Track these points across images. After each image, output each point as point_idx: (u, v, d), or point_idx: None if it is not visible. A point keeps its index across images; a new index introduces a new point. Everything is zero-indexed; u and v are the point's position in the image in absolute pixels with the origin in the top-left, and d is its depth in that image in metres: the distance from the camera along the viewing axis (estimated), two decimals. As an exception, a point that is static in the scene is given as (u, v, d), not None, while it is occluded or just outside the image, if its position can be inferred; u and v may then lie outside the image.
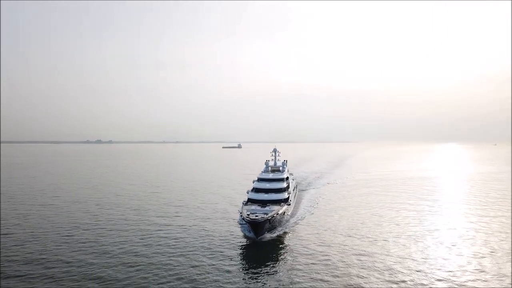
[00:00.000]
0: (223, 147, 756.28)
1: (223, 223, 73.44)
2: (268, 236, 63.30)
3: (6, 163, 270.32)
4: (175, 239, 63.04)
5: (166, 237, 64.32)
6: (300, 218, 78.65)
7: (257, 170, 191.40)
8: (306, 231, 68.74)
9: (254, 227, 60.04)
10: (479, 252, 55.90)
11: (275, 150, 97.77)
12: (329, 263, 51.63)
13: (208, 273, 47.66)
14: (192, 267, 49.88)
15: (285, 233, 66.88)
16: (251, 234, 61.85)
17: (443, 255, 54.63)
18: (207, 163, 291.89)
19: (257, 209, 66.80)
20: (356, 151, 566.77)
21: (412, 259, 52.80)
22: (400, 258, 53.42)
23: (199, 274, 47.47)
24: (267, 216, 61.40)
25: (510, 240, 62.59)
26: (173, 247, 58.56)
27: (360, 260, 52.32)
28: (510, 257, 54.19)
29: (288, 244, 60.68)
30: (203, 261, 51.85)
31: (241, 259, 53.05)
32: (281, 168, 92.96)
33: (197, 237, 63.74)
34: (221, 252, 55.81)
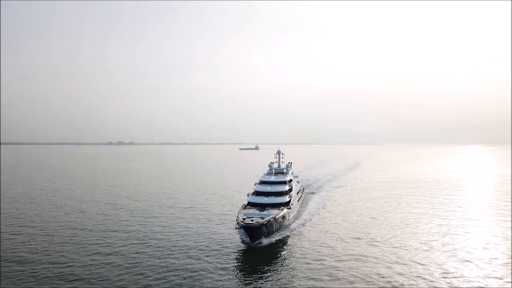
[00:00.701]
0: (240, 149, 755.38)
1: (222, 227, 71.69)
2: (265, 241, 61.17)
3: (32, 164, 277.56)
4: (169, 241, 61.72)
5: (162, 239, 63.03)
6: (304, 222, 76.17)
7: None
8: (307, 236, 66.30)
9: (249, 232, 58.03)
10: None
11: (279, 152, 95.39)
12: (327, 270, 49.15)
13: (196, 280, 45.97)
14: (180, 271, 48.38)
15: (284, 238, 64.63)
16: (248, 239, 59.85)
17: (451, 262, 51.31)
18: (221, 164, 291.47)
19: (254, 213, 64.68)
20: (378, 153, 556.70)
21: (427, 271, 49.67)
22: (410, 272, 50.32)
23: (186, 280, 45.86)
24: (263, 220, 59.24)
25: (510, 241, 62.47)
26: (164, 249, 57.21)
27: (358, 268, 49.53)
28: (510, 257, 54.18)
29: (286, 250, 58.42)
30: (192, 266, 50.23)
31: (233, 266, 51.09)
32: (285, 171, 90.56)
33: (192, 241, 62.18)
34: (214, 257, 54.06)
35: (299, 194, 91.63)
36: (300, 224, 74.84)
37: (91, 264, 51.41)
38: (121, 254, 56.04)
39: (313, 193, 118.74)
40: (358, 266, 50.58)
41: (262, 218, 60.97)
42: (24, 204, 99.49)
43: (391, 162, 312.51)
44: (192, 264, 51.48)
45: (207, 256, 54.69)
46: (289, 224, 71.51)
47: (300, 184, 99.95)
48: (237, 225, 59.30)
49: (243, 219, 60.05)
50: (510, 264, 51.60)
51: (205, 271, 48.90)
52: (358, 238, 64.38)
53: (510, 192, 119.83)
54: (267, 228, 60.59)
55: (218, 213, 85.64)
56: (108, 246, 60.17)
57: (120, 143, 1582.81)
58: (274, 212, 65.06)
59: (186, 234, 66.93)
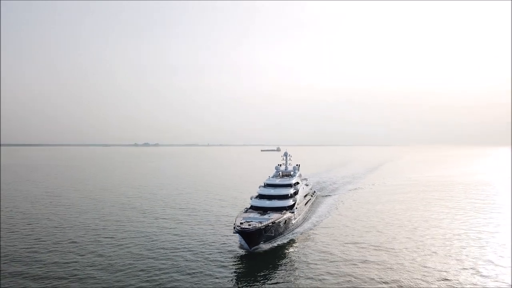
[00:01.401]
0: (261, 150, 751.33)
1: (223, 230, 69.74)
2: (264, 246, 58.91)
3: (61, 165, 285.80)
4: (167, 244, 60.38)
5: (162, 241, 61.72)
6: (311, 226, 73.57)
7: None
8: (310, 241, 63.72)
9: (245, 237, 55.96)
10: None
11: (286, 154, 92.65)
12: (326, 279, 46.52)
13: (187, 283, 44.35)
14: (172, 273, 46.87)
15: (286, 243, 62.20)
16: (246, 244, 57.76)
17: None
18: (241, 166, 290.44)
19: (253, 217, 62.48)
20: (402, 154, 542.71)
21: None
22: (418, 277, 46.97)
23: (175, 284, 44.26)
24: (260, 225, 56.96)
25: (510, 242, 62.31)
26: (161, 252, 55.84)
27: (357, 277, 46.52)
28: (510, 257, 54.15)
29: (285, 256, 56.04)
30: (185, 270, 48.60)
31: (228, 271, 49.05)
32: (292, 173, 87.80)
33: (190, 245, 60.57)
34: (210, 262, 52.21)
35: (308, 197, 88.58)
36: (307, 228, 72.28)
37: (87, 264, 50.85)
38: (116, 254, 55.14)
39: (327, 195, 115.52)
40: (358, 275, 47.54)
41: (261, 222, 58.65)
42: (48, 203, 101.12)
43: (426, 165, 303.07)
44: (185, 267, 49.87)
45: (203, 260, 52.97)
46: (294, 229, 68.94)
47: (310, 186, 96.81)
48: (234, 230, 57.29)
49: (241, 223, 57.97)
50: (510, 264, 50.97)
51: (197, 276, 47.17)
52: (363, 245, 61.12)
53: (510, 193, 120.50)
54: (266, 233, 58.27)
55: (226, 214, 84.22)
56: (104, 245, 59.50)
57: (145, 144, 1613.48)
58: (275, 216, 62.64)
59: (185, 236, 65.54)
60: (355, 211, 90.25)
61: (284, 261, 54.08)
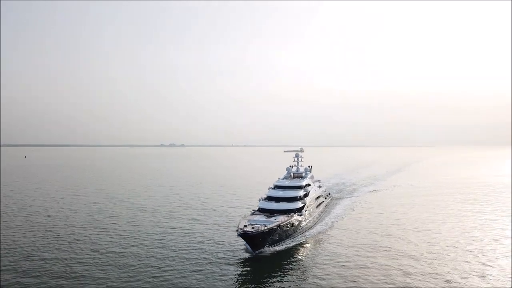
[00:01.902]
0: (284, 151, 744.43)
1: (229, 233, 68.76)
2: (270, 250, 57.66)
3: (94, 166, 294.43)
4: (170, 245, 60.08)
5: (165, 242, 61.50)
6: (322, 229, 71.92)
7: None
8: (319, 244, 62.34)
9: (247, 240, 55.01)
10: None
11: (297, 155, 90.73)
12: (334, 282, 45.00)
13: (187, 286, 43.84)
14: (173, 274, 46.42)
15: (292, 247, 60.77)
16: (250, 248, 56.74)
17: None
18: (259, 166, 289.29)
19: (259, 220, 61.24)
20: (429, 156, 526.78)
21: None
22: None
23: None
24: (264, 228, 55.68)
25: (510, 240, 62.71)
26: (163, 254, 55.48)
27: (367, 280, 44.53)
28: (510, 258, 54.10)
29: (292, 260, 54.68)
30: (186, 271, 48.08)
31: (229, 275, 48.11)
32: (303, 175, 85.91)
33: (194, 247, 60.02)
34: (212, 265, 51.43)
35: (320, 200, 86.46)
36: (318, 231, 70.73)
37: (84, 262, 51.21)
38: (116, 253, 55.25)
39: (343, 198, 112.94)
40: (364, 279, 45.54)
41: (265, 225, 57.35)
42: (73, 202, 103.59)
43: (460, 167, 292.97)
44: (187, 269, 49.37)
45: (206, 263, 52.23)
46: (303, 232, 67.34)
47: (323, 188, 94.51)
48: (237, 233, 56.28)
49: (245, 226, 56.88)
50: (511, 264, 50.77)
51: (196, 278, 46.57)
52: (373, 249, 58.86)
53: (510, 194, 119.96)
54: (270, 236, 56.94)
55: (229, 216, 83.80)
56: (103, 244, 59.79)
57: (171, 145, 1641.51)
58: (281, 219, 61.18)
59: (191, 237, 65.19)
60: (370, 214, 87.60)
61: (289, 265, 52.77)
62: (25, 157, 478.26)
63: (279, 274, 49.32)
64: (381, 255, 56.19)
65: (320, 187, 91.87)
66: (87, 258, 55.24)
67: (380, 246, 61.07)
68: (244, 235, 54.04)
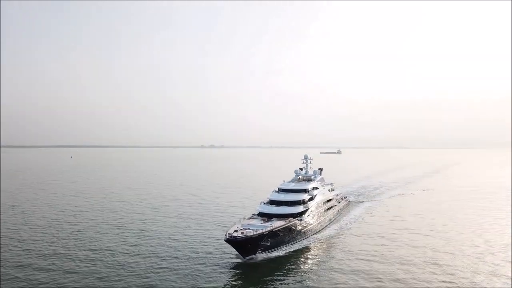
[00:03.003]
0: (320, 153, 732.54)
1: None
2: (262, 256, 54.95)
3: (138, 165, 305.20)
4: (162, 247, 58.87)
5: (158, 243, 60.37)
6: (328, 235, 68.52)
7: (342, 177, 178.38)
8: (319, 251, 59.16)
9: (234, 246, 52.71)
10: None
11: (306, 157, 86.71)
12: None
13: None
14: (155, 279, 45.24)
15: (290, 253, 57.68)
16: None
17: None
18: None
19: (253, 225, 58.55)
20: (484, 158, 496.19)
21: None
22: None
23: None
24: (253, 234, 53.08)
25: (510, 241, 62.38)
26: (153, 257, 54.33)
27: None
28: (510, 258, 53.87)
29: (284, 268, 51.49)
30: (169, 276, 46.58)
31: (213, 283, 45.91)
32: (312, 177, 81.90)
33: (186, 251, 58.34)
34: (198, 271, 49.34)
35: (331, 203, 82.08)
36: (324, 237, 67.26)
37: (84, 260, 51.20)
38: (114, 252, 54.82)
39: (363, 202, 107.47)
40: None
41: (257, 230, 54.72)
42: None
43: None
44: (171, 273, 47.84)
45: (191, 268, 50.29)
46: (303, 237, 63.88)
47: (336, 192, 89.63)
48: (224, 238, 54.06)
49: (235, 231, 54.54)
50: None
51: (179, 282, 44.98)
52: (373, 256, 54.43)
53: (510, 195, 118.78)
54: (261, 242, 54.18)
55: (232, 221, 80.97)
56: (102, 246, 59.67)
57: (211, 146, 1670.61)
58: (276, 224, 58.17)
59: (187, 240, 63.73)
60: (387, 219, 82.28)
61: (280, 272, 49.75)
62: (71, 157, 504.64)
63: (267, 282, 46.57)
64: (382, 262, 51.87)
65: (332, 190, 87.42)
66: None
67: (382, 254, 56.69)
68: (231, 240, 51.74)
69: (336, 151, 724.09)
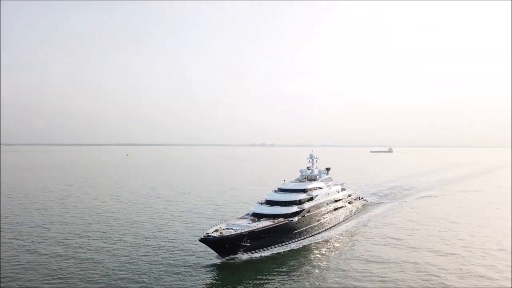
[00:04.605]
0: (371, 151, 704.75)
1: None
2: (244, 257, 54.00)
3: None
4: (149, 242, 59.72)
5: (144, 238, 61.39)
6: (327, 237, 66.60)
7: (391, 174, 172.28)
8: (312, 254, 57.35)
9: (209, 246, 52.68)
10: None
11: (311, 156, 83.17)
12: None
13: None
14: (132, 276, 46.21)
15: (276, 254, 56.62)
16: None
17: None
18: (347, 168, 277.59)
19: (239, 224, 57.67)
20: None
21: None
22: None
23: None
24: (230, 234, 52.41)
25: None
26: (133, 254, 55.33)
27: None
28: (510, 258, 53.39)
29: (263, 270, 50.39)
30: (148, 272, 47.43)
31: (190, 281, 46.03)
32: (317, 177, 78.70)
33: (166, 249, 58.78)
34: (177, 271, 49.41)
35: (339, 204, 78.53)
36: (322, 238, 65.53)
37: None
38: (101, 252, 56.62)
39: (381, 203, 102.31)
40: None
41: (237, 230, 53.91)
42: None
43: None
44: (151, 269, 48.59)
45: (172, 267, 50.65)
46: (296, 238, 62.10)
47: (347, 192, 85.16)
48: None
49: (215, 230, 54.06)
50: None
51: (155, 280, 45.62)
52: (370, 261, 51.34)
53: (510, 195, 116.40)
54: (241, 242, 53.14)
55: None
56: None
57: (262, 144, 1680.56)
58: (262, 225, 56.92)
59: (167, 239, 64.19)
60: (402, 223, 77.40)
61: (256, 274, 48.76)
62: (127, 155, 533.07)
63: (242, 284, 45.93)
64: (376, 264, 48.74)
65: (342, 190, 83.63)
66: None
67: (372, 260, 53.28)
68: (205, 240, 51.35)
69: (387, 150, 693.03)
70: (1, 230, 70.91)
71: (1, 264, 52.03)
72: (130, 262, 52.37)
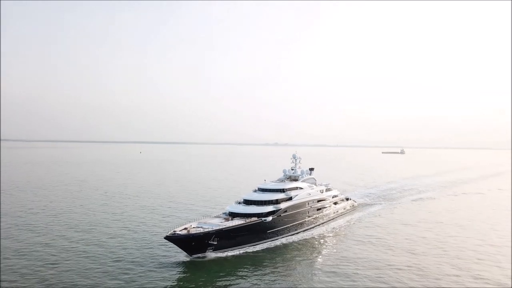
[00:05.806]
0: (382, 152, 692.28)
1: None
2: (213, 255, 54.66)
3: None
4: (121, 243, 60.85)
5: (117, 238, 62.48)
6: (302, 237, 66.85)
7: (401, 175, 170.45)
8: (282, 253, 57.70)
9: (175, 244, 53.47)
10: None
11: (294, 156, 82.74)
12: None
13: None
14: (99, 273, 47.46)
15: (247, 254, 57.07)
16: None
17: None
18: (345, 168, 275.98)
19: (209, 223, 58.51)
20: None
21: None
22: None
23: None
24: (196, 232, 53.19)
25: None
26: (106, 252, 56.45)
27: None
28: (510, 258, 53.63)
29: (231, 267, 51.30)
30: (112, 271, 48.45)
31: (157, 277, 46.96)
32: (299, 177, 78.42)
33: (139, 246, 59.77)
34: (146, 268, 50.32)
35: (322, 204, 78.25)
36: (298, 238, 65.86)
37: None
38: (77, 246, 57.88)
39: (373, 204, 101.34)
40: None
41: (205, 229, 54.57)
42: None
43: None
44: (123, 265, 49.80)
45: (140, 266, 51.49)
46: (270, 239, 62.34)
47: (332, 193, 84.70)
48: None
49: (184, 228, 54.77)
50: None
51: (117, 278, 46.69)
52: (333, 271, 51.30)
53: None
54: (208, 240, 53.83)
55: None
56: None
57: (275, 144, 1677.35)
58: (232, 223, 57.65)
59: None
60: (383, 225, 76.72)
61: (225, 272, 49.64)
62: (140, 152, 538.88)
63: (209, 282, 46.68)
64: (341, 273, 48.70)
65: (327, 190, 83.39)
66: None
67: (347, 259, 53.09)
68: (170, 238, 52.11)
69: (399, 151, 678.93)
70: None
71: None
72: (99, 260, 53.53)
